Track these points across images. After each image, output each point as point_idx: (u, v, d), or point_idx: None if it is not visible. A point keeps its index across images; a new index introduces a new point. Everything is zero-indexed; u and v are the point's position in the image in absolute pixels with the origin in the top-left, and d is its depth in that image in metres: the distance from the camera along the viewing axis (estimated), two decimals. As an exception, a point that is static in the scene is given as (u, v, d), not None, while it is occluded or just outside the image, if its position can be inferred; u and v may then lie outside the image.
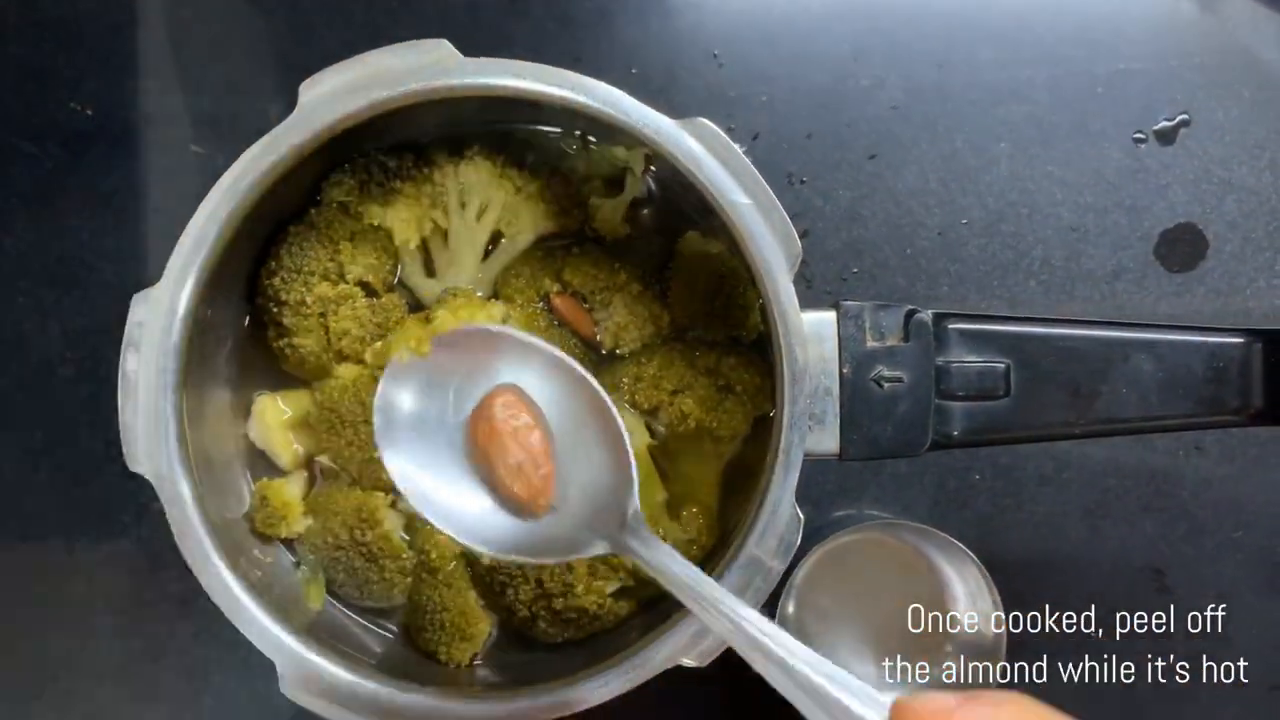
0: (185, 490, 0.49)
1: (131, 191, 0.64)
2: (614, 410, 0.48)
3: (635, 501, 0.46)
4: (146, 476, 0.50)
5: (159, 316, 0.49)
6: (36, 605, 0.63)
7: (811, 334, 0.49)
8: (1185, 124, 0.64)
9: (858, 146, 0.64)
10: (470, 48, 0.50)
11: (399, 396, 0.50)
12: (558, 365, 0.49)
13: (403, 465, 0.50)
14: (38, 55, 0.64)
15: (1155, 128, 0.64)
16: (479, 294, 0.57)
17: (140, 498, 0.63)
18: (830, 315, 0.50)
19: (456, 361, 0.50)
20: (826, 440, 0.49)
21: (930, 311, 0.50)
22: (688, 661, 0.49)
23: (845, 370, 0.49)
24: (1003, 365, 0.50)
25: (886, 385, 0.49)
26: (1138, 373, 0.50)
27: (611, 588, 0.55)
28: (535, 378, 0.49)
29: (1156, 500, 0.63)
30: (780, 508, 0.48)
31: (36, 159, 0.64)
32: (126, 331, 0.50)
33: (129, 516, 0.63)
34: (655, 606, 0.56)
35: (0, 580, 0.63)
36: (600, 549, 0.47)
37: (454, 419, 0.50)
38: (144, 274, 0.60)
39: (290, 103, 0.50)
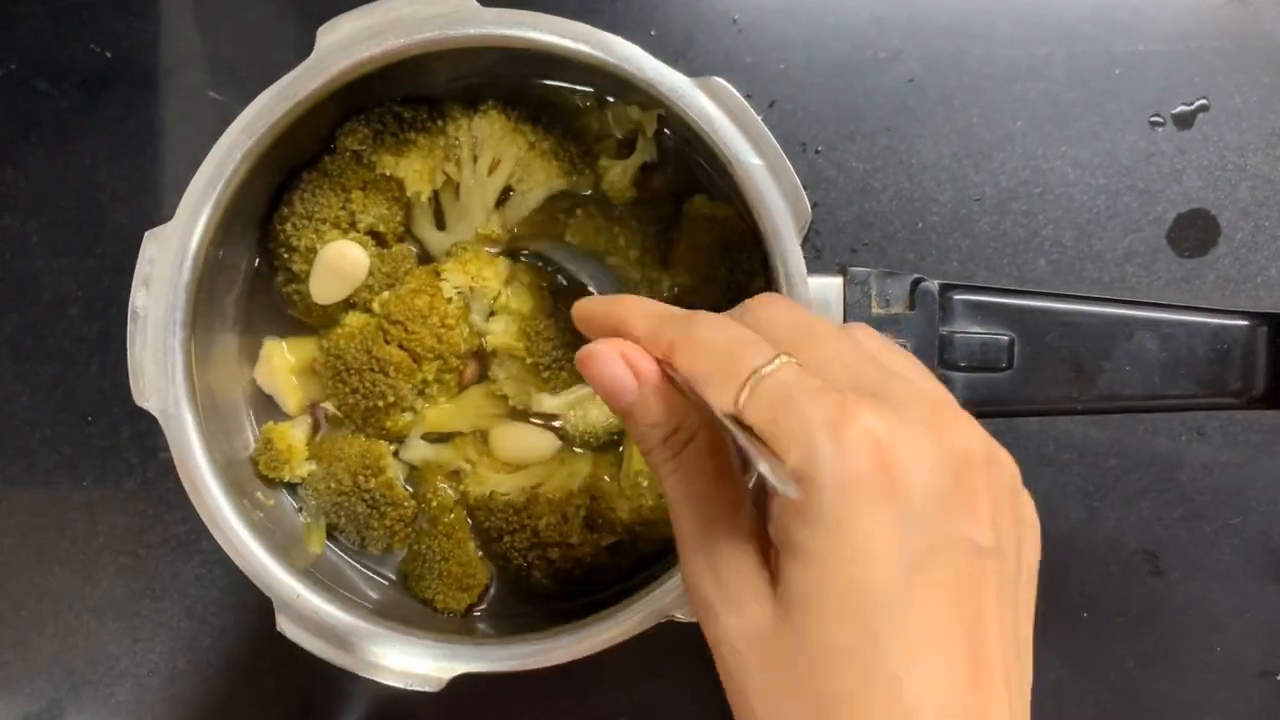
0: (190, 427, 0.50)
1: (149, 135, 0.64)
2: None
3: None
4: (152, 412, 0.50)
5: (170, 254, 0.50)
6: (41, 541, 0.64)
7: (817, 299, 0.49)
8: (1204, 109, 0.64)
9: (873, 118, 0.63)
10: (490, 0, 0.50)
11: None
12: None
13: None
14: (59, -5, 0.64)
15: (1173, 111, 0.63)
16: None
17: (148, 439, 0.63)
18: (837, 281, 0.50)
19: None
20: (827, 405, 0.49)
21: (936, 282, 0.50)
22: (680, 615, 0.49)
23: (849, 336, 0.49)
24: (1006, 338, 0.50)
25: (889, 352, 0.49)
26: (1141, 351, 0.50)
27: (608, 541, 0.55)
28: None
29: (1156, 484, 0.63)
30: (778, 469, 0.48)
31: (54, 99, 0.64)
32: (137, 268, 0.50)
33: (136, 457, 0.63)
34: (653, 563, 0.56)
35: (5, 516, 0.64)
36: None
37: None
38: (158, 217, 0.60)
39: (309, 51, 0.50)
